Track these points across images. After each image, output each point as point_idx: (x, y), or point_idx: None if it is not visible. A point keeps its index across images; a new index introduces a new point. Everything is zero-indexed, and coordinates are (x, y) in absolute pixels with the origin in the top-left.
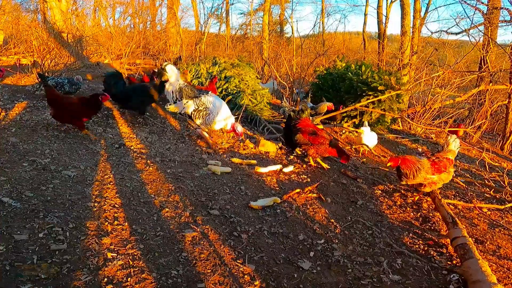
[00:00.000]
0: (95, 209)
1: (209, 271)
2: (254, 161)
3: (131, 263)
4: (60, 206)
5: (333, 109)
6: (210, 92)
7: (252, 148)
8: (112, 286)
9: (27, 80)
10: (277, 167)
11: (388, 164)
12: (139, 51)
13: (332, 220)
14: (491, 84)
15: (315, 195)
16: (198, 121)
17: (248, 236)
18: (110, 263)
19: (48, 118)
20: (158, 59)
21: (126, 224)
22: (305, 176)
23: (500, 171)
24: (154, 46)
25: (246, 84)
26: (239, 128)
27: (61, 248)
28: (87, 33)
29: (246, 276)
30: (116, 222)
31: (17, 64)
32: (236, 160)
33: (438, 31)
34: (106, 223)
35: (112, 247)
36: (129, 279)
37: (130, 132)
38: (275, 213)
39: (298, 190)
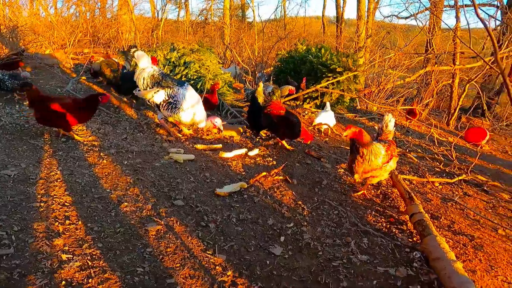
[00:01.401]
0: (42, 209)
1: (178, 265)
2: (219, 146)
3: (90, 263)
4: (1, 209)
5: (294, 92)
6: (186, 84)
7: (215, 133)
8: None
9: None
10: (242, 151)
11: (345, 134)
12: (86, 40)
13: (300, 202)
14: (436, 65)
15: (281, 177)
16: (165, 113)
17: (216, 225)
18: (66, 265)
19: None
20: (110, 48)
21: (80, 222)
22: (271, 159)
23: (448, 146)
24: (104, 34)
25: (207, 69)
26: (217, 122)
27: (7, 252)
28: (22, 23)
29: (217, 267)
30: (68, 222)
31: None
32: (199, 146)
33: (390, 15)
34: (57, 223)
35: (66, 248)
36: (90, 280)
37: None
38: (242, 199)
39: (264, 173)
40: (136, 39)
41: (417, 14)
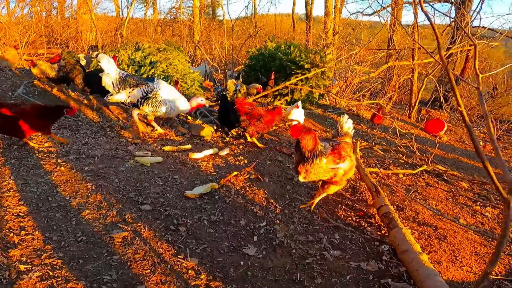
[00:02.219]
0: None
1: (147, 271)
2: (188, 146)
3: (51, 273)
4: None
5: (261, 91)
6: (155, 79)
7: (185, 133)
8: None
9: None
10: (213, 150)
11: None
12: (41, 41)
13: (272, 200)
14: (397, 60)
15: (253, 176)
16: (147, 109)
17: (187, 228)
18: (25, 275)
19: None
20: (68, 48)
21: (37, 232)
22: (242, 158)
23: (409, 137)
24: (61, 35)
25: (174, 68)
26: (198, 101)
27: None
28: None
29: (190, 271)
30: (23, 232)
31: None
32: (168, 148)
33: (355, 12)
34: (12, 234)
35: (24, 258)
36: None
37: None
38: (213, 200)
39: (236, 172)
40: (97, 38)
41: (379, 11)
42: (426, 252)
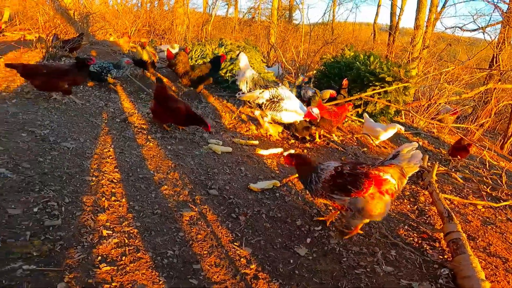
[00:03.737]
0: (93, 183)
1: (205, 252)
2: (256, 142)
3: (126, 241)
4: (57, 179)
5: (335, 96)
6: (280, 84)
7: (254, 129)
8: (105, 265)
9: (30, 55)
10: (278, 150)
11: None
12: (144, 30)
13: (331, 208)
14: (499, 82)
15: None
16: (268, 112)
17: (246, 218)
18: (105, 241)
19: None
20: (163, 38)
21: (124, 200)
22: None
23: (499, 170)
24: (160, 26)
25: (251, 66)
26: (315, 111)
27: (55, 224)
28: (94, 10)
29: (242, 259)
30: (113, 198)
31: (22, 40)
32: (237, 140)
33: (453, 27)
34: (103, 199)
35: (108, 224)
36: (123, 257)
37: (132, 107)
38: (274, 196)
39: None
40: (188, 32)
41: (486, 27)
42: (489, 281)
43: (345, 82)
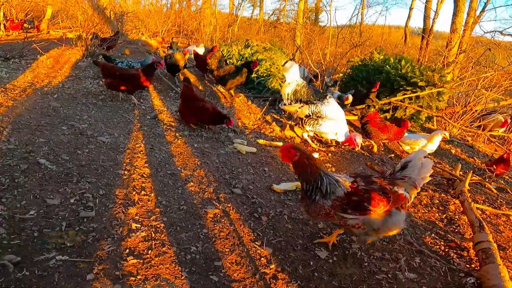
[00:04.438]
0: (125, 177)
1: (227, 250)
2: (279, 143)
3: (153, 235)
4: (93, 172)
5: (349, 100)
6: (329, 96)
7: (278, 131)
8: (132, 258)
9: (71, 52)
10: None
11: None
12: (173, 30)
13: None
14: None
15: None
16: (307, 127)
17: (268, 219)
18: (133, 234)
19: (88, 87)
20: (191, 38)
21: (152, 195)
22: (330, 165)
23: None
24: (189, 26)
25: (277, 68)
26: (358, 140)
27: (89, 215)
28: (129, 10)
29: (262, 259)
30: (143, 192)
31: (64, 38)
32: (261, 141)
33: (493, 31)
34: (134, 193)
35: (137, 217)
36: (149, 251)
37: (161, 105)
38: (296, 198)
39: None
40: (215, 33)
41: None
42: None
43: (376, 87)
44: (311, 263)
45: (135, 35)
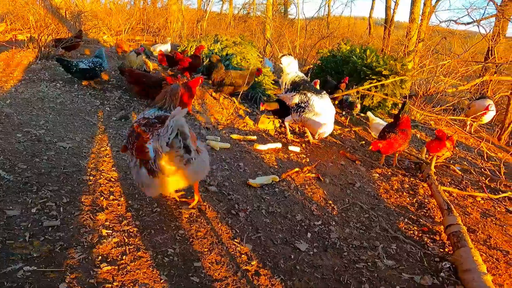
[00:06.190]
0: (90, 182)
1: (206, 249)
2: (254, 137)
3: (126, 240)
4: (54, 179)
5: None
6: (324, 92)
7: (251, 125)
8: (106, 265)
9: (23, 55)
10: (277, 145)
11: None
12: (138, 28)
13: (330, 202)
14: (495, 74)
15: (313, 175)
16: (294, 116)
17: (246, 214)
18: (104, 240)
19: (44, 90)
20: (158, 36)
21: (122, 199)
22: (304, 155)
23: (497, 161)
24: (155, 23)
25: (247, 62)
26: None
27: (54, 224)
28: (86, 9)
29: (243, 256)
30: (112, 197)
31: (13, 40)
32: (235, 136)
33: (448, 20)
34: (102, 198)
35: (107, 223)
36: (124, 257)
37: (127, 105)
38: (273, 192)
39: (297, 169)
40: (183, 29)
41: (480, 20)
42: (490, 274)
43: (346, 79)
44: (292, 256)
45: (96, 34)
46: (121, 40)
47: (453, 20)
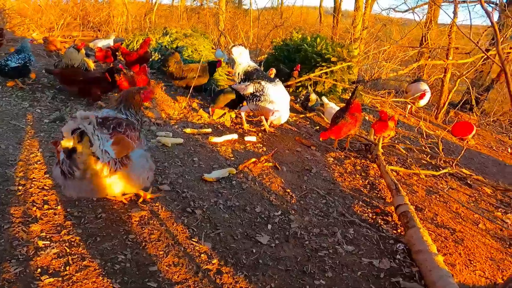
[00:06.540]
0: (20, 193)
1: (161, 252)
2: (208, 130)
3: (68, 250)
4: None
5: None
6: (277, 80)
7: (206, 117)
8: (48, 277)
9: None
10: (233, 136)
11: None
12: (76, 23)
13: (288, 190)
14: (429, 59)
15: (271, 164)
16: (250, 105)
17: (203, 211)
18: (42, 252)
19: None
20: (100, 31)
21: (59, 207)
22: (261, 145)
23: (435, 139)
24: (95, 18)
25: (199, 54)
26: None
27: None
28: (8, 6)
29: (202, 255)
30: (46, 206)
31: None
32: (188, 130)
33: (388, 8)
34: (34, 208)
35: (43, 234)
36: (68, 267)
37: (61, 105)
38: (230, 185)
39: (253, 159)
40: (128, 23)
41: (415, 8)
42: (441, 253)
43: (298, 66)
44: (254, 250)
45: (25, 32)
46: (53, 37)
47: (392, 8)
